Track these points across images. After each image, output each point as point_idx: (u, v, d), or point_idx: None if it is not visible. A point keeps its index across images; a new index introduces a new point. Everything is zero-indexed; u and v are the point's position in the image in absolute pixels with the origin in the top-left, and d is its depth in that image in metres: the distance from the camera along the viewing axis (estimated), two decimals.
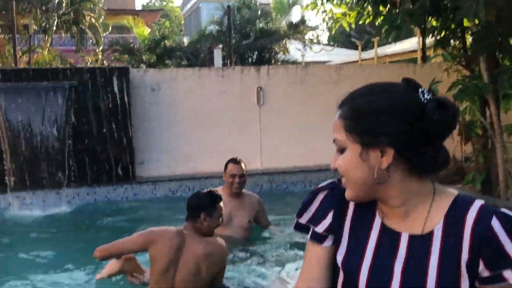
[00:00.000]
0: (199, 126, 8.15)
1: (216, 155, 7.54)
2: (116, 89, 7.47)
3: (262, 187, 7.98)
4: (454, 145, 6.77)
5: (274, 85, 8.43)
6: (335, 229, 1.37)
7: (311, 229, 1.41)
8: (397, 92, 1.26)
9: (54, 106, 7.08)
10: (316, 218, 1.40)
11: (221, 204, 3.60)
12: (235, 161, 4.79)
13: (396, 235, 1.29)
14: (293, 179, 8.14)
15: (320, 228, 1.38)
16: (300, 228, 1.44)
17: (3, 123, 6.95)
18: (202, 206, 3.48)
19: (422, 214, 1.27)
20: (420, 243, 1.25)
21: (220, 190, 4.23)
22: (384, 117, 1.23)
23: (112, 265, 3.64)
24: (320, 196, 1.41)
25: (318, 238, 1.40)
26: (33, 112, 7.05)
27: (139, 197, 7.55)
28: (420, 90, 1.25)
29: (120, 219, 6.54)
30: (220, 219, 3.60)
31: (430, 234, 1.25)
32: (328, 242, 1.39)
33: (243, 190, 4.90)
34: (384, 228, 1.31)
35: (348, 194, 1.33)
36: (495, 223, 1.20)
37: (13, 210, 6.98)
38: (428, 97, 1.23)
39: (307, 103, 8.41)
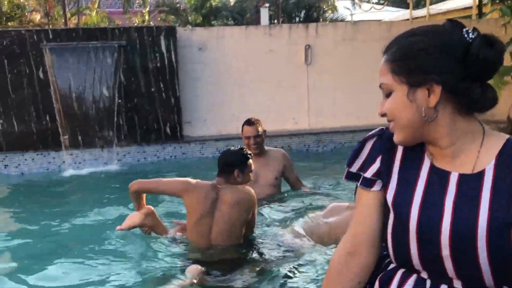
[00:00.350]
0: (246, 85, 8.12)
1: (263, 115, 7.46)
2: (163, 48, 7.50)
3: (309, 147, 7.94)
4: (509, 105, 6.53)
5: (323, 43, 8.27)
6: (383, 173, 1.40)
7: (361, 176, 1.44)
8: (442, 32, 1.28)
9: (104, 65, 7.20)
10: (366, 165, 1.43)
11: (251, 161, 3.65)
12: (249, 122, 4.75)
13: (446, 174, 1.30)
14: (340, 139, 8.05)
15: (369, 173, 1.42)
16: (351, 177, 1.47)
17: (55, 83, 7.11)
18: (235, 162, 3.55)
19: (472, 154, 1.28)
20: (471, 181, 1.26)
21: None
22: (430, 55, 1.25)
23: (133, 218, 3.62)
24: (369, 144, 1.45)
25: (368, 183, 1.43)
26: (83, 71, 7.18)
27: (187, 156, 7.67)
28: (464, 29, 1.27)
29: (169, 177, 6.63)
30: (251, 175, 3.66)
31: (481, 173, 1.25)
32: (377, 187, 1.41)
33: (267, 147, 4.90)
34: (433, 168, 1.32)
35: (396, 137, 1.35)
36: None
37: (67, 168, 7.21)
38: (473, 36, 1.25)
39: (356, 61, 8.21)
